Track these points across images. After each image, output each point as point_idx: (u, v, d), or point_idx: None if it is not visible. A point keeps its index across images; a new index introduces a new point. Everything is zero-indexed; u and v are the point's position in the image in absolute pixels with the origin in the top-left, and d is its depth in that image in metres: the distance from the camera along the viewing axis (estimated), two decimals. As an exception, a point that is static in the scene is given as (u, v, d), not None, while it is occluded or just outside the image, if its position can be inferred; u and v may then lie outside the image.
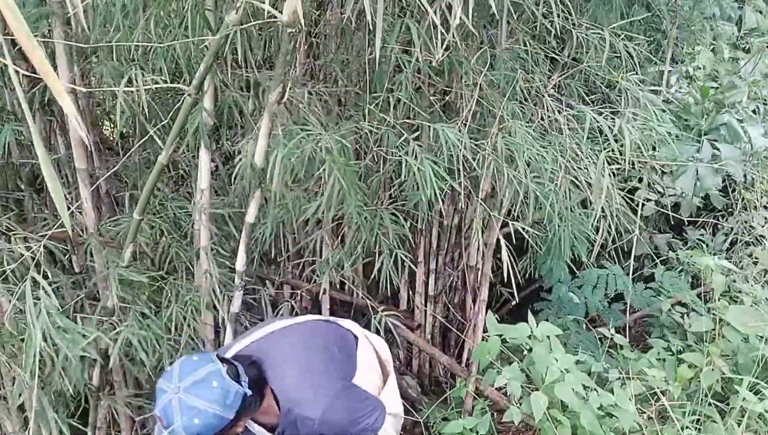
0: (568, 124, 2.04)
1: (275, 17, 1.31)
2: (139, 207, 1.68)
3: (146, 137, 1.97)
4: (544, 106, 2.11)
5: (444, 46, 1.50)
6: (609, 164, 1.94)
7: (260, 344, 1.61)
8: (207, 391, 1.34)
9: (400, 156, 1.85)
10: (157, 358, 1.92)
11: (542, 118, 2.12)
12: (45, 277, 1.60)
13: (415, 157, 1.80)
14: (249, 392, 1.41)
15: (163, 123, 1.73)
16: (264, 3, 1.21)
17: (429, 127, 1.98)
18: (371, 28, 1.56)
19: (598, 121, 1.95)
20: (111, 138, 2.64)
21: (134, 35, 1.74)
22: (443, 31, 1.42)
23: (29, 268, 1.60)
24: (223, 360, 1.43)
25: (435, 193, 1.77)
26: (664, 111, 2.10)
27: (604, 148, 1.96)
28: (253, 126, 1.91)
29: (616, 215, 2.03)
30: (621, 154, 1.95)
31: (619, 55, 2.18)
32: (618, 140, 1.95)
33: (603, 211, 1.99)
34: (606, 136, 1.96)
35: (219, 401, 1.34)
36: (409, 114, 2.10)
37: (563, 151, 2.01)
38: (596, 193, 1.91)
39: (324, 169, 1.73)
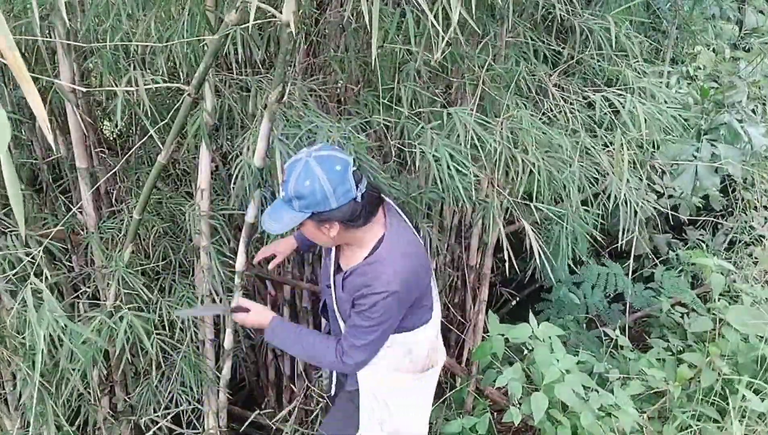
0: (575, 112, 2.01)
1: (275, 17, 1.31)
2: (139, 206, 1.68)
3: (146, 137, 1.97)
4: (549, 95, 2.09)
5: (444, 42, 1.49)
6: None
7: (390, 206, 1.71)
8: (330, 167, 1.45)
9: (411, 150, 1.80)
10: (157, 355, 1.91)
11: (550, 109, 2.10)
12: (40, 274, 1.60)
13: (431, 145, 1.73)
14: (357, 199, 1.50)
15: (163, 122, 1.73)
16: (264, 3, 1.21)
17: (433, 121, 1.96)
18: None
19: (607, 107, 1.93)
20: (111, 137, 2.64)
21: (136, 27, 1.73)
22: (444, 26, 1.42)
23: (30, 268, 1.59)
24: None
25: (456, 186, 1.70)
26: (664, 110, 2.08)
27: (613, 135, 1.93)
28: (252, 125, 1.90)
29: (635, 202, 1.98)
30: (629, 143, 1.92)
31: (621, 54, 2.17)
32: (624, 132, 1.93)
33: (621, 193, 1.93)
34: (612, 122, 1.93)
35: (333, 182, 1.45)
36: (410, 111, 2.09)
37: (575, 138, 1.97)
38: (617, 171, 1.89)
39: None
